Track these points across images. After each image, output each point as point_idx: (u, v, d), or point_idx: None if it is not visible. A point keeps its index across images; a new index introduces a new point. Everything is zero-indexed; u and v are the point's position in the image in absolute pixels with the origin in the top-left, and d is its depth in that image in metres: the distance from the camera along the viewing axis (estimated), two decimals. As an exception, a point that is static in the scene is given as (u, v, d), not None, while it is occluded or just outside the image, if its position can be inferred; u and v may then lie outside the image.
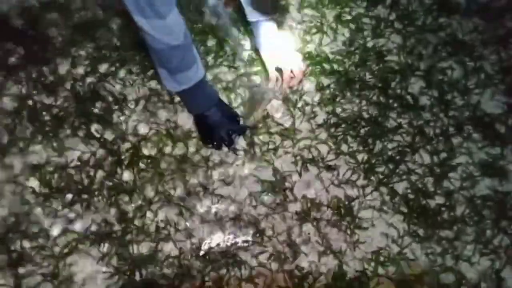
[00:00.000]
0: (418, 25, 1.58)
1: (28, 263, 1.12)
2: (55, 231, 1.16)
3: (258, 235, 1.19)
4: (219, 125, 1.26)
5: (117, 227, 1.18)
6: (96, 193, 1.21)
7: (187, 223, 1.20)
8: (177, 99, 1.36)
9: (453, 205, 1.25)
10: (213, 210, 1.22)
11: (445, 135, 1.36)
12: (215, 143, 1.29)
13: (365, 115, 1.37)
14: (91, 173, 1.23)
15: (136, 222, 1.19)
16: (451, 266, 1.16)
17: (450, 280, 1.14)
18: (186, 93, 1.18)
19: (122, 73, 1.40)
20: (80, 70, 1.39)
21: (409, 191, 1.26)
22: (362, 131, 1.34)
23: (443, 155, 1.33)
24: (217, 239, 1.18)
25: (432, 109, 1.41)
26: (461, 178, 1.29)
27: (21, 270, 1.11)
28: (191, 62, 1.13)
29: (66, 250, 1.13)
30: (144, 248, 1.17)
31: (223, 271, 1.14)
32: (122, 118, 1.33)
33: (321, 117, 1.36)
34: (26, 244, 1.14)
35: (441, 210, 1.24)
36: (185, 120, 1.34)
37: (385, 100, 1.40)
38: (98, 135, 1.29)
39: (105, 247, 1.15)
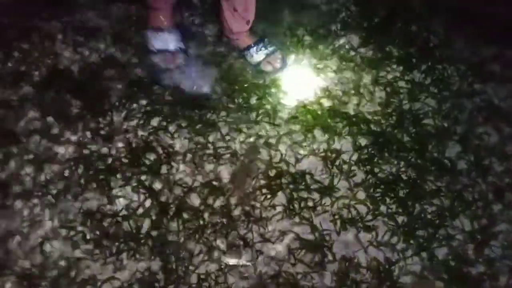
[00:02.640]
0: (453, 90, 1.65)
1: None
2: (103, 278, 1.20)
3: (297, 294, 1.20)
4: None
5: (160, 276, 1.22)
6: (142, 241, 1.27)
7: (227, 278, 1.22)
8: (220, 151, 1.44)
9: (496, 274, 1.23)
10: (253, 266, 1.24)
11: (484, 201, 1.37)
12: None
13: (404, 177, 1.40)
14: (139, 223, 1.30)
15: (179, 272, 1.22)
16: None
17: None
18: None
19: (172, 127, 1.50)
20: (133, 123, 1.50)
21: (449, 257, 1.26)
22: (401, 192, 1.37)
23: (484, 221, 1.33)
24: (256, 296, 1.20)
25: (470, 174, 1.44)
26: (503, 246, 1.28)
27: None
28: None
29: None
30: (185, 300, 1.19)
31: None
32: (170, 169, 1.41)
33: (359, 177, 1.40)
34: (75, 290, 1.19)
35: (482, 278, 1.23)
36: (227, 173, 1.41)
37: (423, 162, 1.44)
38: (147, 185, 1.37)
39: (148, 298, 1.18)
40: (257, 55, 1.63)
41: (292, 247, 1.28)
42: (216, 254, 1.25)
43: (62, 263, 1.23)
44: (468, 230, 1.30)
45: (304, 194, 1.37)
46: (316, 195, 1.37)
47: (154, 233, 1.28)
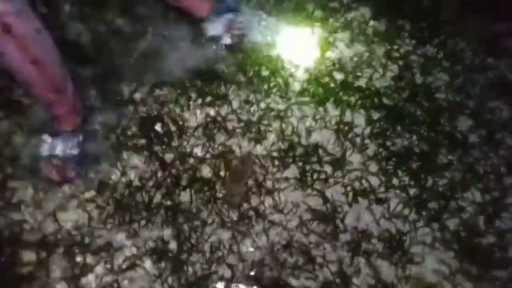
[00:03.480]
0: (465, 65, 1.63)
1: (90, 275, 1.17)
2: (116, 246, 1.21)
3: (309, 263, 1.21)
4: None
5: (173, 246, 1.23)
6: (155, 211, 1.27)
7: (240, 247, 1.23)
8: (234, 124, 1.43)
9: (506, 245, 1.24)
10: (265, 236, 1.25)
11: (496, 174, 1.38)
12: None
13: (416, 150, 1.40)
14: (151, 193, 1.30)
15: (192, 241, 1.23)
16: (506, 308, 1.15)
17: (504, 322, 1.13)
18: None
19: (182, 100, 1.49)
20: (144, 95, 1.49)
21: (460, 228, 1.27)
22: (413, 165, 1.37)
23: (495, 194, 1.34)
24: (268, 265, 1.21)
25: (482, 147, 1.43)
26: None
27: (84, 281, 1.17)
28: None
29: (125, 266, 1.18)
30: (198, 268, 1.20)
31: (274, 297, 1.16)
32: (181, 141, 1.40)
33: (372, 150, 1.40)
34: (89, 257, 1.20)
35: (493, 250, 1.24)
36: (238, 144, 1.40)
37: (435, 136, 1.43)
38: (159, 156, 1.36)
39: (162, 265, 1.19)
40: (213, 28, 1.47)
41: (304, 218, 1.28)
42: (229, 224, 1.27)
43: (76, 232, 1.24)
44: (479, 202, 1.31)
45: (317, 167, 1.37)
46: (328, 168, 1.37)
47: (166, 203, 1.29)
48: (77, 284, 1.16)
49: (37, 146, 1.30)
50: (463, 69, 1.62)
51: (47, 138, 1.29)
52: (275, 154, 1.38)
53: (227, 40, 1.50)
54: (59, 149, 1.28)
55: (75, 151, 1.29)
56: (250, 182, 1.33)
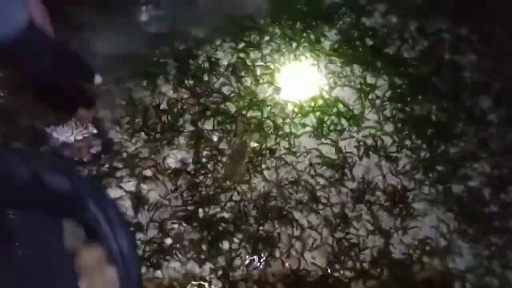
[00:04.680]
0: (497, 49, 1.64)
1: (112, 182, 1.29)
2: (141, 161, 1.32)
3: (313, 201, 1.28)
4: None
5: (191, 167, 1.32)
6: (178, 133, 1.37)
7: (251, 178, 1.31)
8: (260, 69, 1.50)
9: (507, 216, 1.27)
10: (275, 173, 1.33)
11: (509, 153, 1.40)
12: None
13: (433, 118, 1.44)
14: (178, 117, 1.39)
15: (209, 166, 1.32)
16: (497, 271, 1.18)
17: (494, 284, 1.17)
18: None
19: (217, 41, 1.57)
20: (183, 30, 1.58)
21: (464, 194, 1.31)
22: (428, 131, 1.41)
23: (505, 170, 1.37)
24: (275, 196, 1.29)
25: (499, 127, 1.46)
26: (519, 194, 1.32)
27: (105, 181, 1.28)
28: None
29: (145, 174, 1.29)
30: (211, 190, 1.29)
31: (276, 225, 1.24)
32: (211, 78, 1.49)
33: (390, 111, 1.45)
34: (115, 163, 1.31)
35: (493, 218, 1.27)
36: (264, 89, 1.48)
37: (454, 109, 1.47)
38: (189, 86, 1.46)
39: (179, 181, 1.29)
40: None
41: (314, 162, 1.35)
42: (248, 154, 1.35)
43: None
44: (487, 173, 1.34)
45: (334, 119, 1.43)
46: (344, 122, 1.42)
47: (190, 128, 1.38)
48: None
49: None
50: (494, 53, 1.64)
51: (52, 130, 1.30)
52: (295, 102, 1.45)
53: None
54: (75, 133, 1.30)
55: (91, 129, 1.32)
56: (269, 123, 1.41)
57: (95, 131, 1.32)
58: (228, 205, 1.26)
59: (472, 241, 1.22)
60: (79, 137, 1.31)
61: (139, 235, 1.20)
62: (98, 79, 1.38)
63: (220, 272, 1.15)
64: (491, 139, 1.42)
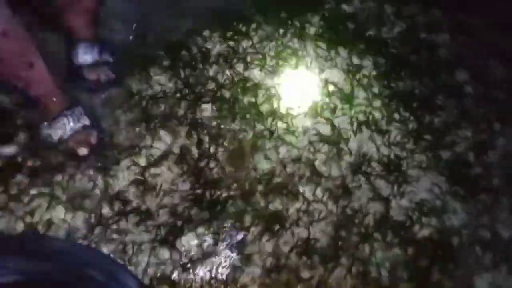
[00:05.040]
0: (469, 31, 1.78)
1: (115, 170, 1.29)
2: (144, 149, 1.33)
3: (314, 175, 1.34)
4: None
5: (194, 151, 1.34)
6: (178, 122, 1.39)
7: (254, 158, 1.35)
8: (251, 56, 1.56)
9: (490, 177, 1.38)
10: (275, 152, 1.38)
11: (487, 121, 1.52)
12: None
13: (416, 92, 1.54)
14: (175, 106, 1.42)
15: (211, 149, 1.35)
16: (488, 225, 1.29)
17: (487, 236, 1.27)
18: None
19: (205, 32, 1.61)
20: (171, 23, 1.61)
21: (452, 158, 1.41)
22: (414, 104, 1.51)
23: (484, 136, 1.48)
24: (277, 173, 1.33)
25: (477, 98, 1.58)
26: (500, 156, 1.43)
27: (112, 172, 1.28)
28: None
29: (152, 161, 1.30)
30: (214, 173, 1.32)
31: (284, 199, 1.28)
32: (204, 67, 1.52)
33: (377, 89, 1.54)
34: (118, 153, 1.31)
35: (479, 179, 1.38)
36: (256, 75, 1.53)
37: (434, 83, 1.58)
38: (182, 77, 1.48)
39: (184, 167, 1.31)
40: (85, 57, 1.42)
41: (312, 140, 1.41)
42: (248, 137, 1.39)
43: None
44: (469, 139, 1.45)
45: (326, 99, 1.50)
46: (336, 101, 1.50)
47: (189, 116, 1.41)
48: (106, 175, 1.27)
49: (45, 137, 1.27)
50: (467, 34, 1.77)
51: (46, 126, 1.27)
52: (288, 85, 1.51)
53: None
54: (68, 128, 1.26)
55: (84, 121, 1.28)
56: (265, 106, 1.46)
57: (87, 122, 1.30)
58: (234, 185, 1.30)
59: (463, 201, 1.32)
60: (75, 128, 1.27)
61: (149, 222, 1.21)
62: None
63: (234, 247, 1.19)
64: (470, 109, 1.54)
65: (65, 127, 1.27)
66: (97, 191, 1.23)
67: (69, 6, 1.34)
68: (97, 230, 1.17)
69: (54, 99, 1.25)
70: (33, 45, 1.15)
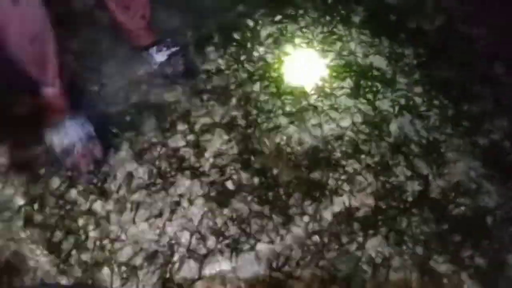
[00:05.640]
0: (507, 24, 1.82)
1: (174, 136, 1.40)
2: (198, 117, 1.44)
3: (356, 153, 1.41)
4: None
5: (242, 121, 1.44)
6: (228, 95, 1.49)
7: (297, 133, 1.44)
8: (301, 40, 1.64)
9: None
10: (320, 129, 1.46)
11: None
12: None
13: (455, 81, 1.60)
14: (227, 80, 1.52)
15: (259, 121, 1.44)
16: (522, 208, 1.34)
17: (519, 218, 1.32)
18: None
19: (256, 15, 1.71)
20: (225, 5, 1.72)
21: (488, 145, 1.46)
22: (452, 92, 1.57)
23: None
24: (320, 148, 1.42)
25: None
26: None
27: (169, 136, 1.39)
28: None
29: (205, 128, 1.41)
30: (261, 143, 1.41)
31: (325, 172, 1.36)
32: (254, 46, 1.62)
33: (418, 75, 1.60)
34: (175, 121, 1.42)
35: (515, 167, 1.44)
36: (303, 56, 1.62)
37: (471, 74, 1.64)
38: (234, 55, 1.58)
39: (232, 135, 1.41)
40: (158, 55, 1.52)
41: (355, 120, 1.49)
42: (289, 114, 1.48)
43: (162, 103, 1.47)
44: (506, 129, 1.51)
45: (369, 82, 1.57)
46: (379, 85, 1.57)
47: (239, 90, 1.51)
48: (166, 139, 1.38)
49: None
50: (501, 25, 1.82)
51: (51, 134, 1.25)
52: (333, 67, 1.59)
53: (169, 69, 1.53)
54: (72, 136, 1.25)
55: (85, 131, 1.27)
56: (311, 85, 1.54)
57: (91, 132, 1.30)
58: (279, 156, 1.38)
59: (498, 184, 1.37)
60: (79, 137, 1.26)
61: (203, 178, 1.32)
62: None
63: (278, 210, 1.28)
64: (506, 99, 1.59)
65: (68, 135, 1.25)
66: (158, 148, 1.35)
67: (128, 21, 1.39)
68: (158, 181, 1.28)
69: (59, 104, 1.22)
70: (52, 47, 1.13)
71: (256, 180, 1.33)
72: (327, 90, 1.54)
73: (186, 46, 1.58)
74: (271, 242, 1.23)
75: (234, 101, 1.48)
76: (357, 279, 1.19)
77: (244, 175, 1.34)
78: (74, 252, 1.17)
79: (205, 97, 1.48)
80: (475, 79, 1.64)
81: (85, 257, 1.17)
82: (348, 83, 1.56)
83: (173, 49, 1.51)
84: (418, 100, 1.55)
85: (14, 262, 1.15)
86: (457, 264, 1.23)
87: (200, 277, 1.17)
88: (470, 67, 1.67)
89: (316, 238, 1.24)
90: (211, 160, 1.35)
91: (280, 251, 1.22)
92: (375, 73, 1.59)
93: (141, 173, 1.29)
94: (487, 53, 1.72)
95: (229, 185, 1.32)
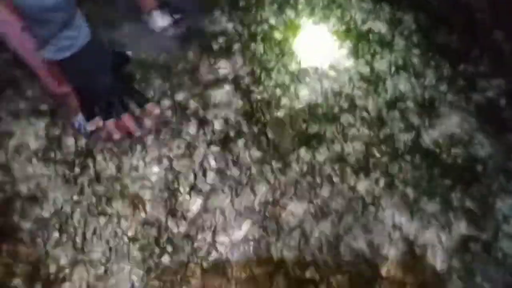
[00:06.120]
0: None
1: (182, 91, 1.51)
2: (203, 74, 1.55)
3: (352, 107, 1.49)
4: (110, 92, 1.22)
5: (247, 79, 1.54)
6: (233, 54, 1.60)
7: (297, 90, 1.53)
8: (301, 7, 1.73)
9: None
10: (319, 84, 1.54)
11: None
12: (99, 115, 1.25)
13: (454, 46, 1.65)
14: (232, 41, 1.63)
15: (262, 78, 1.54)
16: (513, 160, 1.38)
17: (510, 167, 1.36)
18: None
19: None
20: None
21: (483, 101, 1.51)
22: (450, 55, 1.62)
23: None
24: (321, 105, 1.50)
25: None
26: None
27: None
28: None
29: (210, 82, 1.52)
30: (264, 97, 1.50)
31: (323, 124, 1.44)
32: (258, 11, 1.72)
33: (416, 40, 1.67)
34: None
35: (508, 121, 1.47)
36: (305, 21, 1.71)
37: (470, 40, 1.68)
38: (240, 18, 1.69)
39: (237, 90, 1.51)
40: (162, 20, 1.60)
41: (353, 78, 1.56)
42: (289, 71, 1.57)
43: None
44: (502, 87, 1.55)
45: (368, 45, 1.65)
46: (377, 47, 1.64)
47: (244, 50, 1.61)
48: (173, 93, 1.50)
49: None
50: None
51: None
52: (333, 31, 1.67)
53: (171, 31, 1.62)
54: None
55: None
56: (312, 47, 1.63)
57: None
58: (280, 109, 1.48)
59: (491, 137, 1.42)
60: None
61: (206, 127, 1.42)
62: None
63: (276, 156, 1.37)
64: (505, 62, 1.63)
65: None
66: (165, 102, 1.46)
67: None
68: (165, 129, 1.40)
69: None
70: None
71: (256, 129, 1.43)
72: (327, 51, 1.63)
73: (191, 11, 1.69)
74: (268, 182, 1.32)
75: (238, 60, 1.59)
76: (348, 216, 1.27)
77: (246, 126, 1.44)
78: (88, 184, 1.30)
79: (210, 56, 1.60)
80: (474, 45, 1.68)
81: (99, 189, 1.29)
82: (348, 45, 1.64)
83: (177, 16, 1.61)
84: (415, 60, 1.61)
85: (36, 193, 1.28)
86: (446, 205, 1.29)
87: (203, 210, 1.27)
88: (470, 34, 1.72)
89: (310, 178, 1.32)
90: (215, 111, 1.46)
91: (276, 189, 1.31)
92: (374, 36, 1.66)
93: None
94: (487, 22, 1.77)
95: (232, 132, 1.42)
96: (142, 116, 1.36)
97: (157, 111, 1.38)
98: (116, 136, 1.28)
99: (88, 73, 1.15)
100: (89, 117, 1.27)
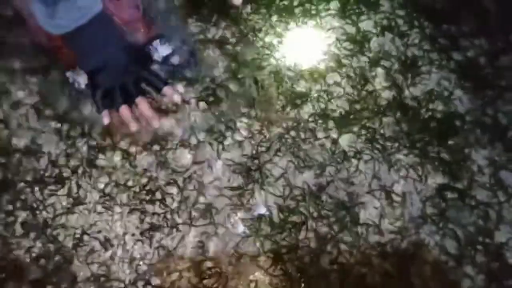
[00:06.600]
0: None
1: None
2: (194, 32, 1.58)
3: (338, 65, 1.53)
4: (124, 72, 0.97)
5: (232, 40, 1.57)
6: (222, 16, 1.62)
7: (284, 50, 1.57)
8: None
9: (499, 75, 1.52)
10: (305, 43, 1.58)
11: (505, 33, 1.64)
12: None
13: (439, 7, 1.68)
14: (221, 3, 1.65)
15: (249, 38, 1.57)
16: (490, 113, 1.44)
17: (488, 121, 1.42)
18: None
19: None
20: None
21: (464, 59, 1.55)
22: (435, 15, 1.65)
23: (498, 45, 1.61)
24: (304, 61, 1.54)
25: (497, 16, 1.69)
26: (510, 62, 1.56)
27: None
28: None
29: (199, 41, 1.55)
30: (250, 55, 1.55)
31: (308, 83, 1.49)
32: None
33: (401, 0, 1.69)
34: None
35: (487, 78, 1.52)
36: None
37: (457, 2, 1.71)
38: None
39: (223, 50, 1.55)
40: (163, 48, 1.44)
41: (339, 38, 1.60)
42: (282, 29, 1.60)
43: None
44: (484, 47, 1.59)
45: (354, 5, 1.67)
46: (363, 7, 1.67)
47: (231, 12, 1.64)
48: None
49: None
50: None
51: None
52: (321, -8, 1.70)
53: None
54: None
55: None
56: (298, 8, 1.66)
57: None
58: (267, 69, 1.52)
59: (470, 93, 1.47)
60: None
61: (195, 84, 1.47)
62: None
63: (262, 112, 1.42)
64: (489, 23, 1.66)
65: None
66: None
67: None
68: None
69: None
70: None
71: (242, 89, 1.47)
72: (313, 12, 1.65)
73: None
74: (252, 137, 1.38)
75: (225, 21, 1.61)
76: (330, 168, 1.33)
77: (233, 84, 1.48)
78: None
79: (200, 17, 1.62)
80: (460, 7, 1.71)
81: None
82: (334, 5, 1.67)
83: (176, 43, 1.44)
84: (399, 21, 1.64)
85: (32, 147, 1.34)
86: (423, 157, 1.35)
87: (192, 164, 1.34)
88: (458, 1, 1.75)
89: (293, 133, 1.38)
90: (204, 70, 1.50)
91: (259, 143, 1.37)
92: (359, -4, 1.69)
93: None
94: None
95: (219, 92, 1.47)
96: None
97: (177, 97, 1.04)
98: (133, 126, 1.01)
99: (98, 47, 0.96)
100: (104, 105, 1.02)
